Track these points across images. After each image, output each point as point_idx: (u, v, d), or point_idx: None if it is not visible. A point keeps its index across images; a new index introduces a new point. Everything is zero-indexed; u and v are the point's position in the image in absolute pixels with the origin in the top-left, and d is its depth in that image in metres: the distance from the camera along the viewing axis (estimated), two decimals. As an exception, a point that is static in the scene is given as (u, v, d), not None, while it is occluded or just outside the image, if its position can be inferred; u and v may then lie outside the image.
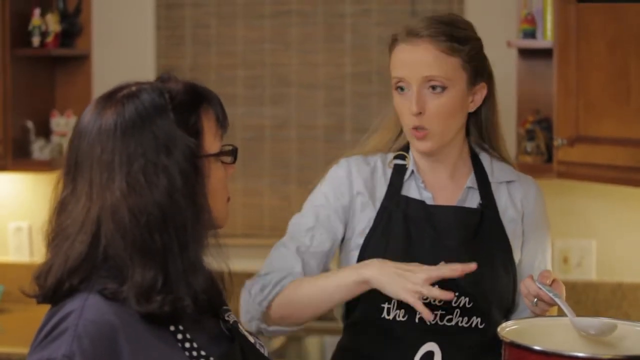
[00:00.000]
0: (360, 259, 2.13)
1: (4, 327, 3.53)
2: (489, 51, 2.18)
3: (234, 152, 1.65)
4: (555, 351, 1.65)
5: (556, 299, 1.93)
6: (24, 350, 1.58)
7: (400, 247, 2.10)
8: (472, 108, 2.16)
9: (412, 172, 2.18)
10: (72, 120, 3.70)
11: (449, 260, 2.09)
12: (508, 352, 1.72)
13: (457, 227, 2.13)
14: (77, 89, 3.79)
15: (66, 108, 3.75)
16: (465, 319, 2.11)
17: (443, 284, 2.06)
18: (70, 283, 1.53)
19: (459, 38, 2.10)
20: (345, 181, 2.19)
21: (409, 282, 1.94)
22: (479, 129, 2.22)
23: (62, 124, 3.71)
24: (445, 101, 2.09)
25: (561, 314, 1.88)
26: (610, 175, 2.96)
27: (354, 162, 2.21)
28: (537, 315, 2.02)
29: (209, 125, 1.60)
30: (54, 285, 1.54)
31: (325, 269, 2.18)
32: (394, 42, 2.14)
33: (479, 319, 2.12)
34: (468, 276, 2.09)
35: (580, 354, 1.63)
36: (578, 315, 1.86)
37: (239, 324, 1.71)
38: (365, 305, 2.13)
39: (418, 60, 2.08)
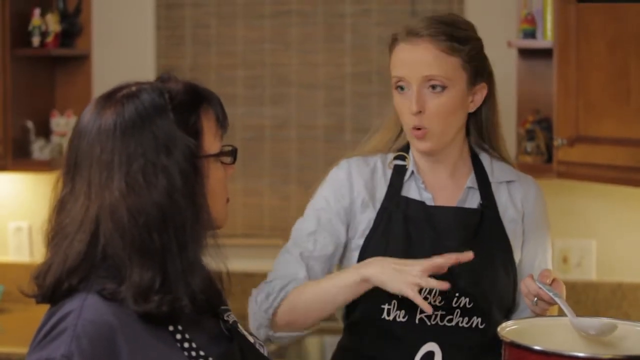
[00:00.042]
0: (361, 259, 2.13)
1: (4, 327, 3.53)
2: (489, 51, 2.19)
3: (233, 153, 1.65)
4: (555, 351, 1.64)
5: (556, 299, 1.93)
6: (24, 350, 1.57)
7: (400, 248, 2.10)
8: (472, 108, 2.16)
9: (412, 172, 2.18)
10: (72, 120, 3.70)
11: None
12: (508, 352, 1.72)
13: (457, 228, 2.13)
14: (77, 89, 3.79)
15: (66, 108, 3.75)
16: (466, 319, 2.11)
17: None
18: (69, 283, 1.53)
19: (459, 38, 2.10)
20: (345, 183, 2.19)
21: (408, 276, 1.95)
22: (479, 129, 2.23)
23: (62, 124, 3.71)
24: (445, 101, 2.09)
25: (561, 313, 1.88)
26: (610, 175, 2.96)
27: (354, 164, 2.21)
28: (537, 315, 2.02)
29: (208, 126, 1.60)
30: (53, 285, 1.54)
31: (330, 273, 2.18)
32: (394, 41, 2.14)
33: (479, 319, 2.12)
34: (468, 276, 2.10)
35: (580, 354, 1.63)
36: (578, 315, 1.86)
37: (238, 324, 1.71)
38: (366, 306, 2.13)
39: (418, 60, 2.08)
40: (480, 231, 2.15)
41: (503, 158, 2.25)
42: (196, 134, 1.57)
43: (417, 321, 2.10)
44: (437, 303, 2.09)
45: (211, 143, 1.60)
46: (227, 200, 1.66)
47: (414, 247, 2.09)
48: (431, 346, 2.09)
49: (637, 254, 3.52)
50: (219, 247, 1.62)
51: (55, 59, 3.79)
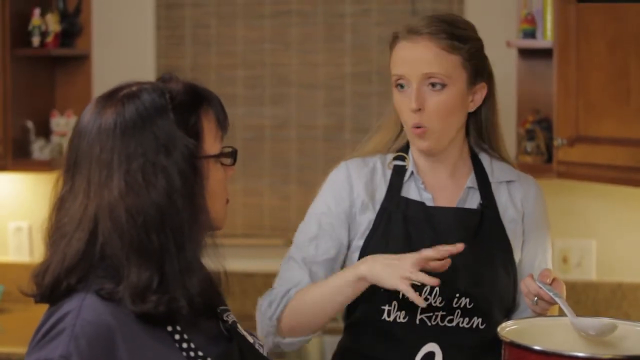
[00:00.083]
0: None
1: (4, 327, 3.53)
2: (489, 51, 2.19)
3: (233, 154, 1.64)
4: (555, 351, 1.64)
5: (556, 299, 1.93)
6: (24, 350, 1.58)
7: (400, 249, 2.09)
8: (472, 108, 2.16)
9: (412, 173, 2.18)
10: (72, 120, 3.70)
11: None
12: (508, 352, 1.72)
13: (457, 229, 2.13)
14: (77, 89, 3.79)
15: (66, 108, 3.75)
16: (466, 319, 2.11)
17: (443, 283, 2.07)
18: (68, 282, 1.53)
19: (459, 36, 2.10)
20: (344, 185, 2.19)
21: (399, 270, 1.96)
22: (479, 129, 2.22)
23: (62, 124, 3.71)
24: (445, 98, 2.09)
25: (562, 313, 1.88)
26: (610, 175, 2.96)
27: (352, 165, 2.21)
28: (537, 315, 2.02)
29: (209, 127, 1.60)
30: (52, 285, 1.54)
31: None
32: (394, 39, 2.14)
33: (480, 320, 2.12)
34: (468, 277, 2.10)
35: (580, 354, 1.63)
36: (578, 315, 1.86)
37: (238, 324, 1.71)
38: (366, 307, 2.13)
39: (418, 58, 2.08)
40: (480, 231, 2.15)
41: (503, 158, 2.25)
42: (196, 134, 1.57)
43: (417, 322, 2.10)
44: (437, 304, 2.09)
45: (211, 144, 1.60)
46: (227, 201, 1.66)
47: (414, 248, 2.08)
48: (431, 346, 2.09)
49: (637, 254, 3.52)
50: (217, 247, 1.62)
51: (55, 59, 3.79)
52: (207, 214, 1.57)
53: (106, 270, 1.53)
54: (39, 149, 3.63)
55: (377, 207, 2.16)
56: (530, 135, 3.33)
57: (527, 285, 2.01)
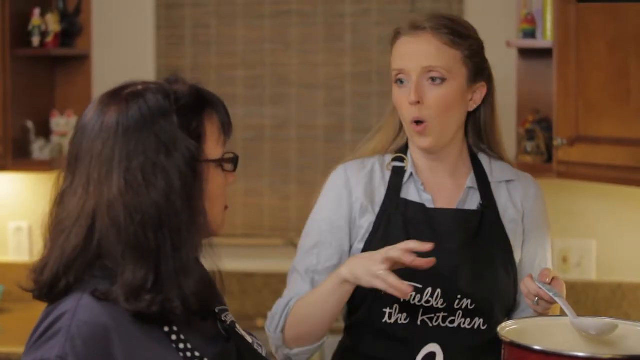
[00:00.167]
0: None
1: (4, 327, 3.53)
2: (489, 51, 2.19)
3: (235, 160, 1.64)
4: (555, 351, 1.64)
5: (556, 298, 1.93)
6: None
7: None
8: (471, 107, 2.16)
9: (411, 174, 2.18)
10: (72, 120, 3.70)
11: (449, 263, 2.09)
12: (508, 352, 1.72)
13: (457, 230, 2.13)
14: (77, 89, 3.79)
15: (66, 108, 3.75)
16: (468, 320, 2.11)
17: (446, 285, 2.07)
18: (67, 280, 1.53)
19: (460, 33, 2.11)
20: (343, 190, 2.18)
21: (371, 268, 1.95)
22: (478, 130, 2.22)
23: (62, 124, 3.71)
24: (445, 92, 2.09)
25: (563, 312, 1.88)
26: (610, 175, 2.96)
27: (350, 168, 2.20)
28: (538, 315, 2.02)
29: (211, 130, 1.60)
30: (50, 282, 1.54)
31: None
32: (396, 35, 2.14)
33: (481, 320, 2.12)
34: (469, 278, 2.10)
35: (580, 354, 1.62)
36: (578, 315, 1.86)
37: (236, 324, 1.71)
38: (367, 309, 2.13)
39: (419, 51, 2.09)
40: (480, 232, 2.15)
41: (502, 158, 2.25)
42: (198, 137, 1.57)
43: (419, 323, 2.10)
44: (439, 305, 2.09)
45: (213, 148, 1.60)
46: (226, 207, 1.66)
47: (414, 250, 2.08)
48: (433, 347, 2.09)
49: (637, 254, 3.52)
50: (213, 248, 1.62)
51: (55, 59, 3.79)
52: (205, 217, 1.57)
53: (102, 271, 1.54)
54: (39, 149, 3.63)
55: (377, 209, 2.16)
56: (530, 135, 3.33)
57: (526, 286, 2.01)
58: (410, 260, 1.93)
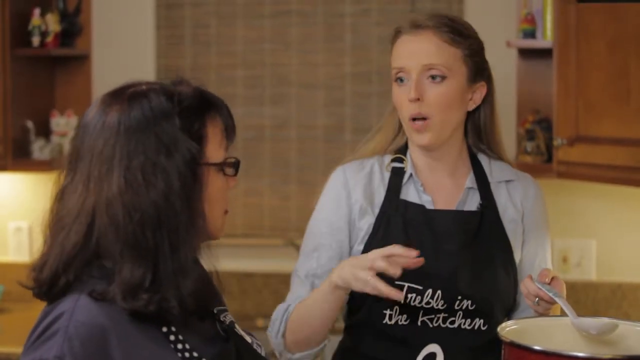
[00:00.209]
0: None
1: (4, 327, 3.53)
2: (489, 51, 2.19)
3: (236, 165, 1.64)
4: (555, 351, 1.64)
5: (556, 299, 1.93)
6: (24, 350, 1.58)
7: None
8: (471, 107, 2.16)
9: (411, 175, 2.18)
10: (72, 120, 3.70)
11: (449, 264, 2.09)
12: (508, 352, 1.72)
13: (456, 232, 2.13)
14: (77, 89, 3.79)
15: (66, 108, 3.75)
16: (468, 320, 2.11)
17: (446, 287, 2.07)
18: (66, 278, 1.53)
19: (461, 32, 2.11)
20: (342, 192, 2.18)
21: (360, 274, 1.95)
22: (477, 130, 2.22)
23: (62, 124, 3.71)
24: (445, 90, 2.09)
25: (564, 312, 1.88)
26: (610, 175, 2.96)
27: (349, 170, 2.20)
28: (538, 315, 2.02)
29: (214, 133, 1.60)
30: (50, 279, 1.54)
31: None
32: (397, 34, 2.14)
33: (481, 321, 2.12)
34: (469, 279, 2.10)
35: (580, 354, 1.62)
36: (578, 315, 1.86)
37: (235, 324, 1.71)
38: (367, 310, 2.13)
39: (419, 49, 2.09)
40: (480, 232, 2.15)
41: (501, 159, 2.24)
42: (200, 139, 1.57)
43: (419, 323, 2.10)
44: (439, 306, 2.09)
45: (215, 151, 1.60)
46: (226, 211, 1.66)
47: (414, 252, 2.08)
48: (433, 347, 2.09)
49: (637, 254, 3.52)
50: (210, 248, 1.62)
51: (55, 58, 3.79)
52: (204, 219, 1.57)
53: (100, 270, 1.54)
54: (39, 149, 3.63)
55: (376, 210, 2.16)
56: (530, 135, 3.33)
57: (526, 287, 2.00)
58: (398, 273, 1.93)
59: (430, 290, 2.08)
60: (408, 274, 2.00)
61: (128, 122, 1.54)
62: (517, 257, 2.18)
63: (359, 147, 2.27)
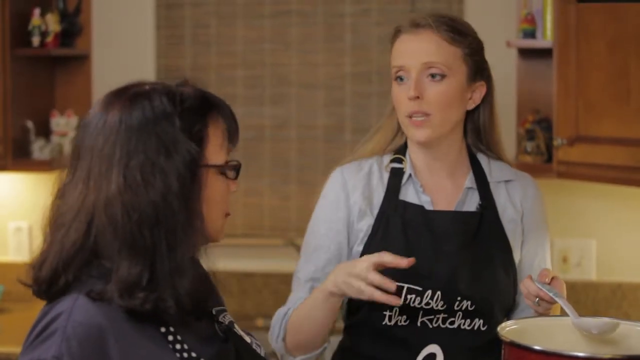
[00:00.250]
0: None
1: (4, 327, 3.53)
2: (489, 51, 2.19)
3: (236, 168, 1.64)
4: (555, 351, 1.64)
5: (557, 299, 1.93)
6: (24, 350, 1.58)
7: (399, 253, 2.07)
8: (470, 106, 2.16)
9: (410, 175, 2.18)
10: (72, 120, 3.70)
11: (449, 265, 2.09)
12: (508, 352, 1.72)
13: (455, 232, 2.13)
14: (77, 89, 3.79)
15: (66, 108, 3.75)
16: (468, 321, 2.11)
17: (446, 287, 2.07)
18: (65, 278, 1.53)
19: (460, 31, 2.12)
20: (340, 194, 2.18)
21: (355, 284, 1.95)
22: (477, 130, 2.22)
23: (62, 124, 3.71)
24: (445, 89, 2.09)
25: (564, 311, 1.88)
26: (610, 175, 2.96)
27: (348, 171, 2.20)
28: (538, 315, 2.02)
29: (215, 135, 1.60)
30: (49, 278, 1.54)
31: None
32: (396, 33, 2.15)
33: (481, 321, 2.11)
34: (469, 279, 2.10)
35: (580, 354, 1.62)
36: (579, 315, 1.86)
37: (234, 324, 1.71)
38: (367, 311, 2.13)
39: (419, 48, 2.09)
40: (479, 233, 2.15)
41: (500, 158, 2.24)
42: (200, 141, 1.57)
43: (418, 324, 2.10)
44: (439, 307, 2.09)
45: (215, 153, 1.60)
46: (227, 214, 1.66)
47: (413, 252, 2.06)
48: (433, 348, 2.08)
49: (637, 254, 3.52)
50: (209, 249, 1.62)
51: (55, 58, 3.79)
52: (202, 221, 1.57)
53: (99, 270, 1.54)
54: (39, 149, 3.63)
55: (375, 211, 2.16)
56: (530, 135, 3.33)
57: (526, 287, 2.00)
58: (392, 288, 1.94)
59: (429, 291, 2.08)
60: (407, 275, 2.00)
61: (129, 122, 1.54)
62: (516, 257, 2.18)
63: (357, 148, 2.27)
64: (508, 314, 2.20)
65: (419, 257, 2.03)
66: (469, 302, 2.09)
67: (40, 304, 1.59)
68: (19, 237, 3.85)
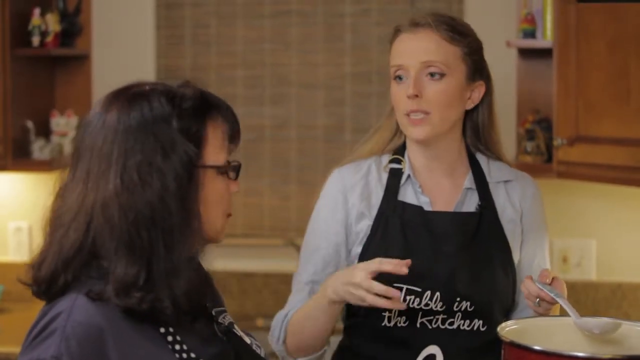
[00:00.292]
0: None
1: (4, 327, 3.53)
2: (489, 51, 2.19)
3: (236, 169, 1.64)
4: (555, 351, 1.64)
5: (558, 299, 1.93)
6: (25, 350, 1.58)
7: (398, 254, 2.07)
8: (469, 105, 2.16)
9: (409, 176, 2.17)
10: (72, 120, 3.70)
11: (447, 265, 2.09)
12: (507, 352, 1.72)
13: (454, 233, 2.12)
14: (77, 89, 3.79)
15: (66, 108, 3.75)
16: (467, 321, 2.11)
17: (445, 288, 2.07)
18: (65, 278, 1.54)
19: (460, 30, 2.12)
20: (338, 196, 2.18)
21: (356, 293, 1.95)
22: (476, 129, 2.22)
23: (62, 124, 3.71)
24: (444, 88, 2.09)
25: (563, 312, 1.88)
26: (610, 175, 2.96)
27: (346, 173, 2.20)
28: (538, 315, 2.02)
29: (214, 136, 1.60)
30: (49, 278, 1.55)
31: None
32: (396, 32, 2.15)
33: (480, 322, 2.11)
34: (468, 280, 2.10)
35: (580, 354, 1.62)
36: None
37: (234, 325, 1.71)
38: (366, 312, 2.13)
39: (418, 47, 2.09)
40: (478, 233, 2.14)
41: (499, 158, 2.24)
42: (198, 141, 1.57)
43: (418, 325, 2.10)
44: (438, 308, 2.09)
45: (215, 154, 1.60)
46: (229, 215, 1.66)
47: (412, 253, 2.07)
48: (432, 349, 2.08)
49: (637, 254, 3.52)
50: (208, 249, 1.62)
51: (55, 58, 3.79)
52: (199, 221, 1.57)
53: (98, 271, 1.54)
54: (39, 149, 3.63)
55: (374, 212, 2.16)
56: (530, 135, 3.33)
57: (527, 287, 2.00)
58: (397, 294, 1.94)
59: (428, 292, 2.07)
60: (406, 276, 2.00)
61: (127, 122, 1.55)
62: (515, 257, 2.18)
63: (356, 148, 2.27)
64: (507, 314, 2.19)
65: (417, 257, 2.03)
66: (468, 303, 2.09)
67: (40, 304, 1.59)
68: (19, 237, 3.85)
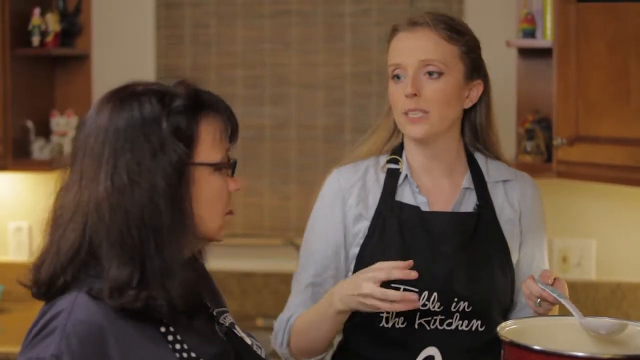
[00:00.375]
0: (357, 268, 2.12)
1: (4, 327, 3.53)
2: (489, 51, 2.19)
3: (232, 165, 1.64)
4: (555, 351, 1.64)
5: (561, 300, 1.92)
6: (25, 350, 1.58)
7: (395, 255, 2.07)
8: (467, 104, 2.16)
9: (406, 176, 2.17)
10: (72, 120, 3.70)
11: (445, 266, 2.09)
12: (507, 352, 1.72)
13: (452, 233, 2.12)
14: (77, 89, 3.79)
15: (66, 108, 3.75)
16: (466, 322, 2.11)
17: (442, 289, 2.06)
18: (64, 278, 1.54)
19: (458, 30, 2.12)
20: (336, 197, 2.18)
21: (366, 302, 1.96)
22: (474, 129, 2.21)
23: (62, 123, 3.71)
24: (442, 86, 2.08)
25: (562, 311, 1.88)
26: (609, 175, 2.96)
27: (343, 174, 2.20)
28: (538, 315, 2.02)
29: (207, 134, 1.60)
30: (48, 280, 1.55)
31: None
32: (393, 31, 2.14)
33: (479, 322, 2.11)
34: (466, 280, 2.10)
35: (580, 354, 1.62)
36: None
37: (235, 325, 1.71)
38: (364, 313, 2.12)
39: (416, 46, 2.09)
40: (476, 233, 2.14)
41: (498, 158, 2.24)
42: (189, 140, 1.57)
43: (416, 326, 2.10)
44: (436, 308, 2.08)
45: (208, 152, 1.60)
46: (230, 212, 1.65)
47: (410, 254, 2.06)
48: (431, 350, 2.08)
49: (637, 254, 3.52)
50: (207, 249, 1.62)
51: (55, 58, 3.79)
52: (192, 220, 1.57)
53: (97, 269, 1.54)
54: (39, 149, 3.63)
55: (371, 213, 2.15)
56: (530, 135, 3.33)
57: (529, 287, 2.00)
58: (414, 298, 1.95)
59: (426, 293, 2.07)
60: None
61: (117, 122, 1.55)
62: (514, 257, 2.18)
63: (354, 148, 2.27)
64: (506, 314, 2.19)
65: (415, 258, 2.03)
66: (466, 303, 2.09)
67: (40, 304, 1.59)
68: (19, 237, 3.85)
